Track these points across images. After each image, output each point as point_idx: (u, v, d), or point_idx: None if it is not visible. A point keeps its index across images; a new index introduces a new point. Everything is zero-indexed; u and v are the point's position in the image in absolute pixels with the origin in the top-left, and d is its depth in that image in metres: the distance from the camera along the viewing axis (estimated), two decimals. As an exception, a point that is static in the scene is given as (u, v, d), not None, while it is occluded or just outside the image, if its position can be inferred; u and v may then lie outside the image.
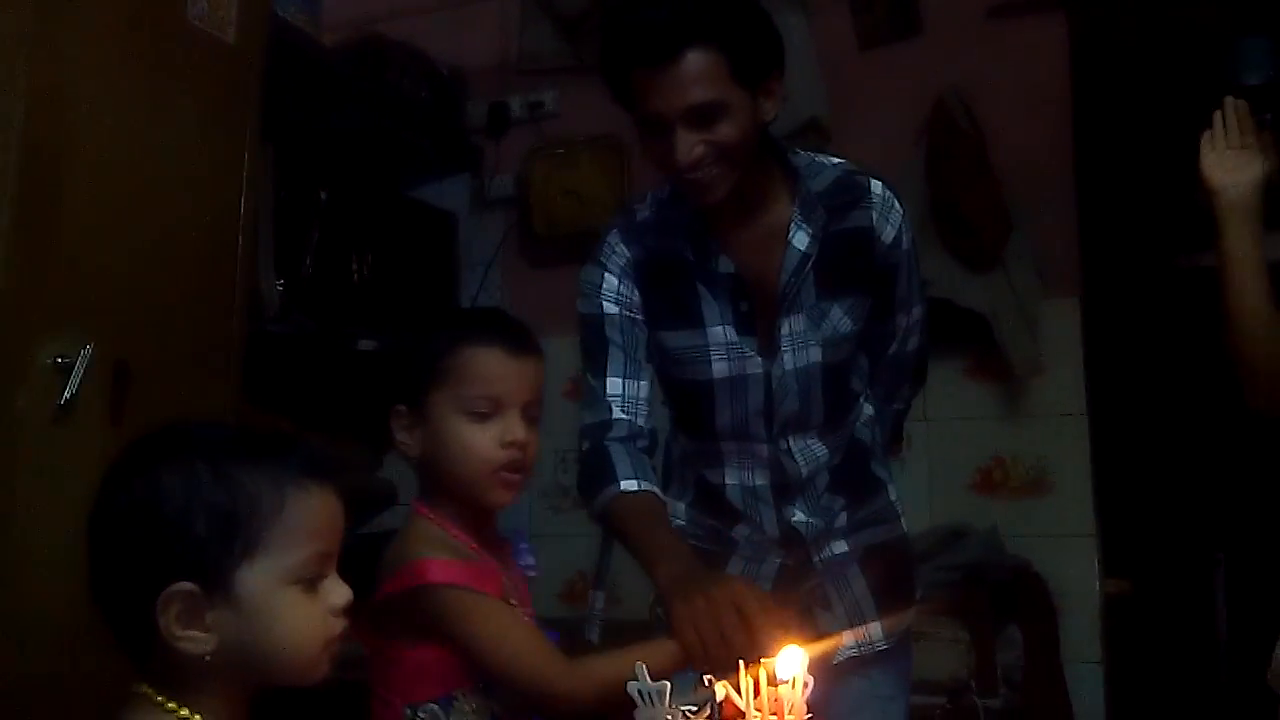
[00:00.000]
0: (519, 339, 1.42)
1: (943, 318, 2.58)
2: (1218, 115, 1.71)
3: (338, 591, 1.07)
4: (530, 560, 1.55)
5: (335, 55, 3.15)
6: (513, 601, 1.42)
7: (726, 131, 1.53)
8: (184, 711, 1.00)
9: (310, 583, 1.04)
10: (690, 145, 1.52)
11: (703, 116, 1.52)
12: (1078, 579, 2.81)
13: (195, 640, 0.99)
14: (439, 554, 1.36)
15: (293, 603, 1.03)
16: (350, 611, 1.08)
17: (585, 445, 1.66)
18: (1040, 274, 2.90)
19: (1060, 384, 2.90)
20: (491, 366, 1.38)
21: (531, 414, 1.41)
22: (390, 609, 1.36)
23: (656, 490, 1.61)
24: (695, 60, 1.49)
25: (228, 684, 1.03)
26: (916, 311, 1.80)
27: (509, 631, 1.35)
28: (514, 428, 1.38)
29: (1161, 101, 2.86)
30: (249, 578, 1.01)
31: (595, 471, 1.62)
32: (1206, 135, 1.71)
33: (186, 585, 0.98)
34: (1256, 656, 1.61)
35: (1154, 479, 2.87)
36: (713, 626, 1.30)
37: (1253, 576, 2.70)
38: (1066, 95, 2.97)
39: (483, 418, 1.37)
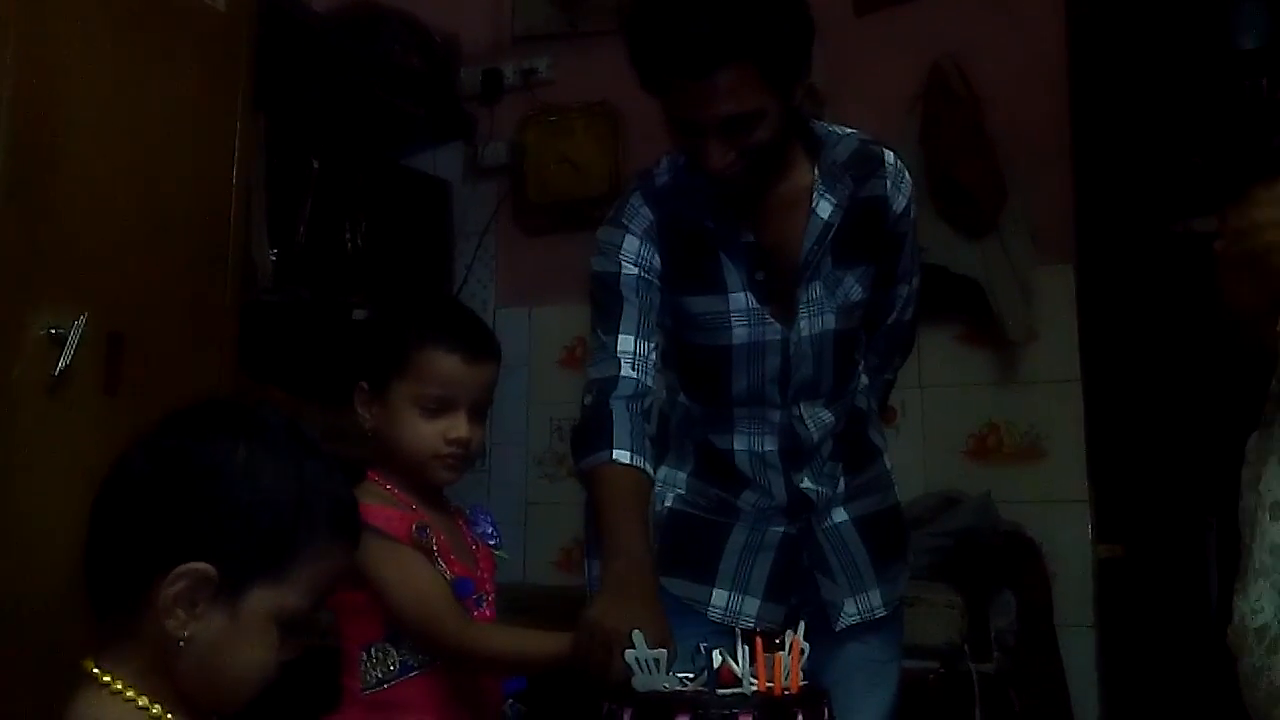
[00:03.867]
0: (478, 346, 1.51)
1: (937, 284, 2.57)
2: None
3: (294, 646, 1.03)
4: (488, 529, 1.60)
5: (327, 22, 3.13)
6: (453, 557, 1.46)
7: (758, 137, 1.54)
8: (142, 700, 0.96)
9: (289, 630, 1.01)
10: (723, 153, 1.54)
11: (736, 126, 1.52)
12: (1071, 544, 2.83)
13: (180, 621, 0.96)
14: (368, 500, 1.39)
15: (271, 644, 1.00)
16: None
17: (588, 399, 1.64)
18: (1035, 240, 2.89)
19: (1054, 350, 2.90)
20: (448, 371, 1.47)
21: (479, 410, 1.51)
22: None
23: (646, 468, 1.60)
24: (732, 75, 1.48)
25: (181, 682, 0.99)
26: (915, 281, 1.81)
27: (412, 577, 1.40)
28: (459, 426, 1.48)
29: (1158, 67, 2.85)
30: (258, 598, 0.98)
31: (592, 430, 1.60)
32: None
33: (210, 569, 0.95)
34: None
35: (1147, 444, 2.87)
36: (600, 653, 1.29)
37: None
38: (1063, 61, 2.95)
39: (434, 413, 1.47)
